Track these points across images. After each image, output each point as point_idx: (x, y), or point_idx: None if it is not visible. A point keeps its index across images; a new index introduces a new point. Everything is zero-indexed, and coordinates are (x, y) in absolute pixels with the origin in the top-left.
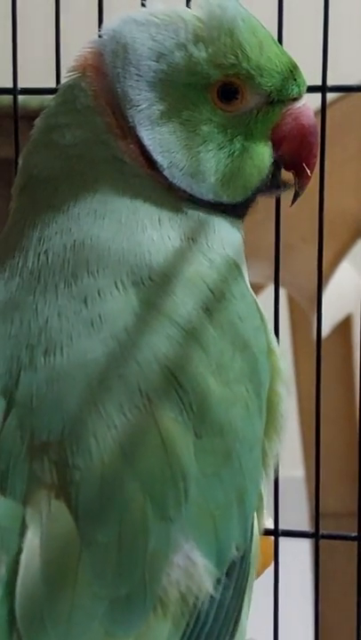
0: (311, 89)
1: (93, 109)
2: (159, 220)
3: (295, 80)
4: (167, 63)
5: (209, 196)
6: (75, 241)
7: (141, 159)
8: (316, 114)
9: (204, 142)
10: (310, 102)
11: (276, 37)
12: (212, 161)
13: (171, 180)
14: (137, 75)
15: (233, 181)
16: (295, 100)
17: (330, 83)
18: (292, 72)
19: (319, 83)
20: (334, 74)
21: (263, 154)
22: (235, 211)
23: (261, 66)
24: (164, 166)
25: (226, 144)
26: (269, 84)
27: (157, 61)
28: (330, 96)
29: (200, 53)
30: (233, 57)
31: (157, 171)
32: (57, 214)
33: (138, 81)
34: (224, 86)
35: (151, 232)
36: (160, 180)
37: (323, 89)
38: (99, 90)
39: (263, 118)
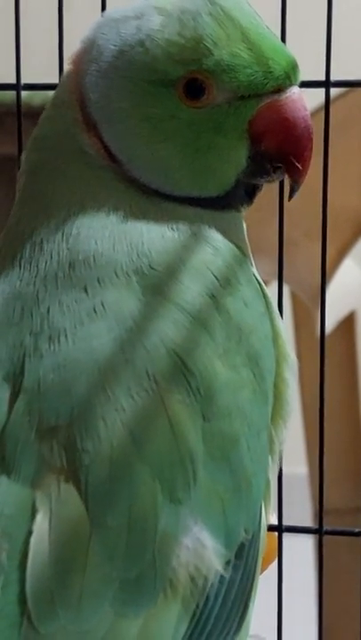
0: (315, 84)
1: (67, 104)
2: (131, 211)
3: (271, 73)
4: (127, 60)
5: (174, 191)
6: (63, 234)
7: (104, 152)
8: (319, 109)
9: (167, 139)
10: (299, 93)
11: (279, 32)
12: (176, 157)
13: (132, 174)
14: (97, 72)
15: (202, 177)
16: (278, 91)
17: (333, 78)
18: (268, 65)
19: (323, 78)
20: (338, 69)
21: (237, 149)
22: (218, 203)
23: (223, 61)
24: (123, 161)
25: (192, 140)
26: (234, 80)
27: (118, 58)
28: (334, 91)
29: (158, 50)
30: (193, 52)
31: (120, 164)
32: (39, 205)
33: (98, 78)
34: (190, 82)
35: (132, 222)
36: (125, 174)
37: (326, 84)
38: (73, 85)
39: (235, 113)
